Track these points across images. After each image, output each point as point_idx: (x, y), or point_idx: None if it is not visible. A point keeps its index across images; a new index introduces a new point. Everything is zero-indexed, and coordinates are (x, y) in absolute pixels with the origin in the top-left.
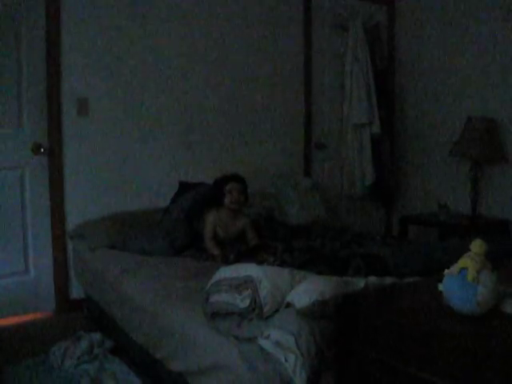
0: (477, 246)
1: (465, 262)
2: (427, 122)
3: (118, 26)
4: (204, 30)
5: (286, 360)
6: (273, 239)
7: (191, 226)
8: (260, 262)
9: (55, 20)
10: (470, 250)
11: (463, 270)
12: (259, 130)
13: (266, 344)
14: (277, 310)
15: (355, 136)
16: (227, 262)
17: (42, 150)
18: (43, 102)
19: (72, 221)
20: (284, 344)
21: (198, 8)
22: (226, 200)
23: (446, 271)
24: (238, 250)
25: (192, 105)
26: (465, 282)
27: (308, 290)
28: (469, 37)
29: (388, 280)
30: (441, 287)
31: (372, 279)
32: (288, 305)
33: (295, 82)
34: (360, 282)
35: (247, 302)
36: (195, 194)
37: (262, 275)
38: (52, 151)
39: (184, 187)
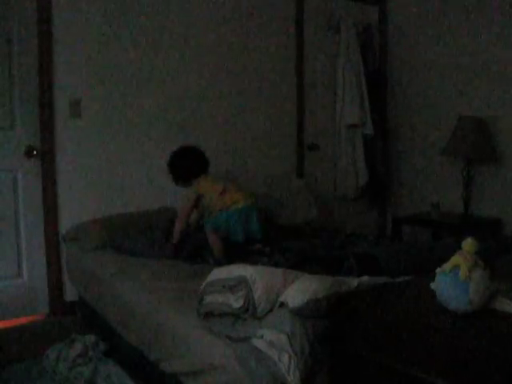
0: (468, 244)
1: (457, 260)
2: (419, 122)
3: (111, 27)
4: (196, 32)
5: (279, 360)
6: (266, 240)
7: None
8: (253, 263)
9: (47, 20)
10: (461, 249)
11: (455, 268)
12: (252, 132)
13: (259, 344)
14: (270, 310)
15: (348, 137)
16: (219, 263)
17: (35, 152)
18: (35, 104)
19: (65, 223)
20: (278, 344)
21: (190, 9)
22: None
23: (438, 270)
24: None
25: (185, 106)
26: (457, 281)
27: (301, 289)
28: (460, 37)
29: (381, 279)
30: (433, 286)
31: (365, 279)
32: (282, 304)
33: (287, 83)
34: (353, 282)
35: (241, 302)
36: None
37: (256, 275)
38: (45, 154)
39: None
